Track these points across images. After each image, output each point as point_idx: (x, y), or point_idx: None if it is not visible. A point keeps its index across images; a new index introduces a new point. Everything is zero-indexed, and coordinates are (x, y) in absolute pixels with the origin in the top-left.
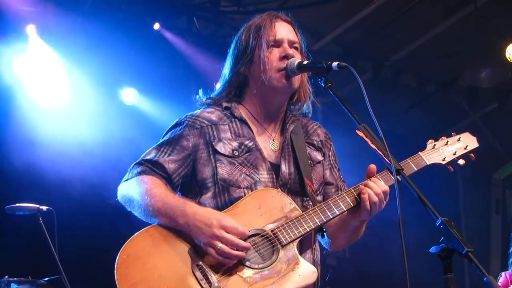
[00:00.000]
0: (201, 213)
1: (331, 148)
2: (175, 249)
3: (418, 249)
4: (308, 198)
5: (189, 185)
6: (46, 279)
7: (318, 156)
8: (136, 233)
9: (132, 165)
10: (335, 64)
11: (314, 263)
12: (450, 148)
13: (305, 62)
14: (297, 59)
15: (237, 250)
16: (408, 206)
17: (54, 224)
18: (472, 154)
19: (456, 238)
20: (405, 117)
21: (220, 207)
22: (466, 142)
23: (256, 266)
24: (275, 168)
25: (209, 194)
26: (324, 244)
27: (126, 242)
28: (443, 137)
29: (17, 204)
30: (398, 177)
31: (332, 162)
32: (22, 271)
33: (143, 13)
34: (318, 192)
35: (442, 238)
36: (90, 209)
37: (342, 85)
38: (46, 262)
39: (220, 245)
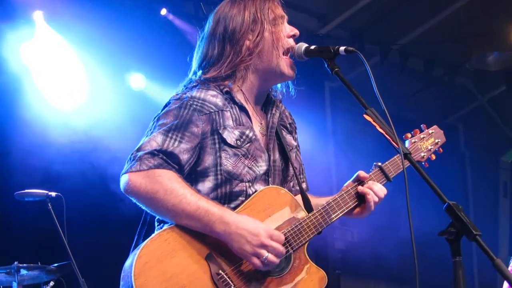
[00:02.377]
0: (243, 221)
1: (296, 130)
2: (192, 257)
3: (427, 233)
4: (292, 184)
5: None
6: (56, 264)
7: (292, 141)
8: (149, 239)
9: (142, 153)
10: (342, 48)
11: None
12: (426, 144)
13: (313, 47)
14: (304, 43)
15: (278, 258)
16: (415, 191)
17: (63, 210)
18: (440, 148)
19: (464, 222)
20: (413, 100)
21: (219, 199)
22: (436, 137)
23: (273, 273)
24: (269, 158)
25: (209, 184)
26: None
27: (141, 249)
28: (416, 130)
29: (26, 190)
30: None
31: (297, 145)
32: (32, 257)
33: None
34: (300, 176)
35: (450, 222)
36: (99, 195)
37: (350, 69)
38: (56, 248)
39: (267, 254)
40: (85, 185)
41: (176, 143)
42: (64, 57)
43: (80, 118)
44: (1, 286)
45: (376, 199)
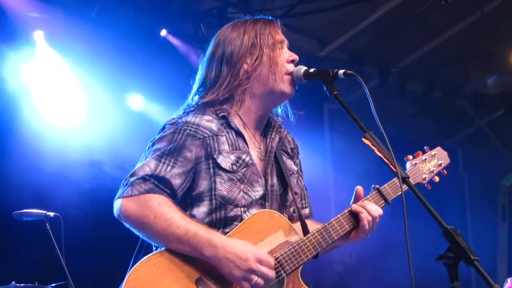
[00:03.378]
0: (232, 245)
1: (298, 155)
2: (181, 281)
3: (425, 257)
4: (293, 209)
5: (182, 197)
6: (53, 285)
7: (293, 166)
8: (139, 263)
9: (133, 178)
10: (341, 72)
11: None
12: (428, 166)
13: (312, 70)
14: (303, 67)
15: (268, 282)
16: (414, 218)
17: (61, 230)
18: (444, 170)
19: (462, 247)
20: (412, 122)
21: (214, 224)
22: (440, 158)
23: None
24: (266, 182)
25: (203, 209)
26: None
27: (130, 273)
28: (418, 152)
29: (24, 210)
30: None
31: (299, 169)
32: (29, 277)
33: (150, 19)
34: (302, 202)
35: (448, 247)
36: (97, 215)
37: (349, 91)
38: (53, 268)
39: (256, 279)
40: (83, 205)
41: (169, 168)
42: (64, 77)
43: (79, 138)
44: None
45: (370, 218)
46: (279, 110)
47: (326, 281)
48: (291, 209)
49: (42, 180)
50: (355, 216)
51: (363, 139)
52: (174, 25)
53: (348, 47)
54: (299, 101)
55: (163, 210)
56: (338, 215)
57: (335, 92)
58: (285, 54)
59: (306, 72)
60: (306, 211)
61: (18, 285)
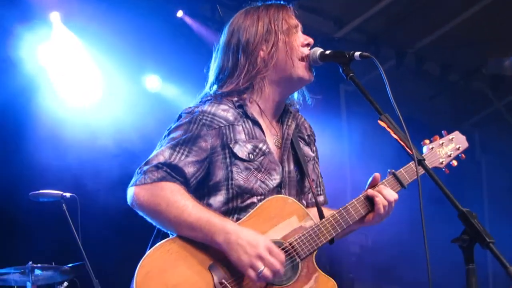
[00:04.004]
0: (245, 233)
1: (315, 143)
2: (194, 266)
3: (442, 241)
4: (310, 196)
5: (196, 186)
6: (70, 265)
7: (310, 152)
8: (153, 249)
9: (147, 167)
10: (357, 54)
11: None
12: (445, 150)
13: (328, 52)
14: (319, 48)
15: (274, 276)
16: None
17: (77, 211)
18: (462, 154)
19: (477, 229)
20: (429, 105)
21: (230, 212)
22: (457, 142)
23: (280, 282)
24: (283, 169)
25: (220, 198)
26: None
27: (143, 259)
28: (436, 137)
29: (41, 191)
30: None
31: (315, 156)
32: (46, 258)
33: (167, 0)
34: (317, 189)
35: (463, 229)
36: (114, 195)
37: (365, 72)
38: (70, 249)
39: (262, 267)
40: (100, 186)
41: (183, 157)
42: (80, 58)
43: (96, 119)
44: (16, 286)
45: (385, 202)
46: (296, 96)
47: (342, 261)
48: (309, 196)
49: (59, 161)
50: (370, 201)
51: (378, 121)
52: (190, 6)
53: (365, 28)
54: (315, 82)
55: (176, 198)
56: (353, 200)
57: (351, 74)
58: (300, 38)
59: (322, 54)
60: (321, 198)
61: (35, 265)
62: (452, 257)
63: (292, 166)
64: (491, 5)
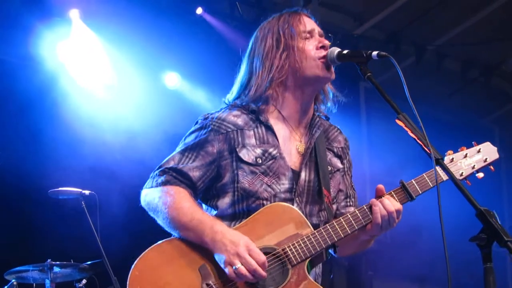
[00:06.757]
0: (231, 233)
1: (348, 155)
2: (186, 267)
3: (459, 240)
4: (323, 208)
5: (207, 188)
6: (88, 262)
7: (338, 164)
8: (149, 249)
9: (156, 171)
10: (375, 53)
11: (316, 275)
12: (469, 161)
13: (345, 51)
14: (336, 48)
15: (253, 276)
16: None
17: (96, 208)
18: (491, 167)
19: (495, 228)
20: (449, 102)
21: (237, 215)
22: (486, 154)
23: (267, 287)
24: (295, 176)
25: (227, 200)
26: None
27: (139, 258)
28: (462, 148)
29: (60, 188)
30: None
31: (346, 169)
32: (65, 255)
33: None
34: (334, 201)
35: (481, 228)
36: (133, 193)
37: (384, 70)
38: (88, 246)
39: (239, 265)
40: (119, 184)
41: (190, 161)
42: (99, 55)
43: (115, 116)
44: (34, 284)
45: (384, 212)
46: (322, 107)
47: (361, 258)
48: (334, 206)
49: (78, 159)
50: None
51: (396, 120)
52: (210, 3)
53: (385, 25)
54: (335, 80)
55: (175, 200)
56: (355, 209)
57: (369, 74)
58: (314, 42)
59: (339, 54)
60: (351, 209)
61: (53, 262)
62: (471, 254)
63: (313, 176)
64: (511, 1)
